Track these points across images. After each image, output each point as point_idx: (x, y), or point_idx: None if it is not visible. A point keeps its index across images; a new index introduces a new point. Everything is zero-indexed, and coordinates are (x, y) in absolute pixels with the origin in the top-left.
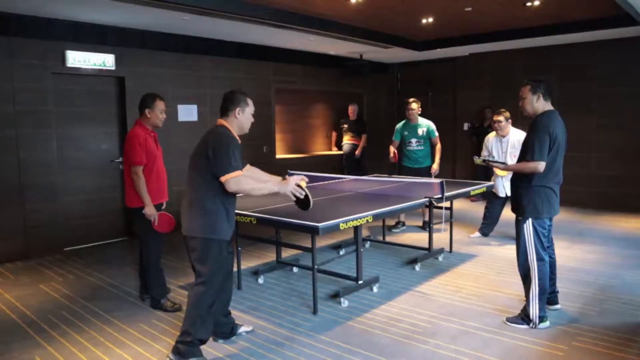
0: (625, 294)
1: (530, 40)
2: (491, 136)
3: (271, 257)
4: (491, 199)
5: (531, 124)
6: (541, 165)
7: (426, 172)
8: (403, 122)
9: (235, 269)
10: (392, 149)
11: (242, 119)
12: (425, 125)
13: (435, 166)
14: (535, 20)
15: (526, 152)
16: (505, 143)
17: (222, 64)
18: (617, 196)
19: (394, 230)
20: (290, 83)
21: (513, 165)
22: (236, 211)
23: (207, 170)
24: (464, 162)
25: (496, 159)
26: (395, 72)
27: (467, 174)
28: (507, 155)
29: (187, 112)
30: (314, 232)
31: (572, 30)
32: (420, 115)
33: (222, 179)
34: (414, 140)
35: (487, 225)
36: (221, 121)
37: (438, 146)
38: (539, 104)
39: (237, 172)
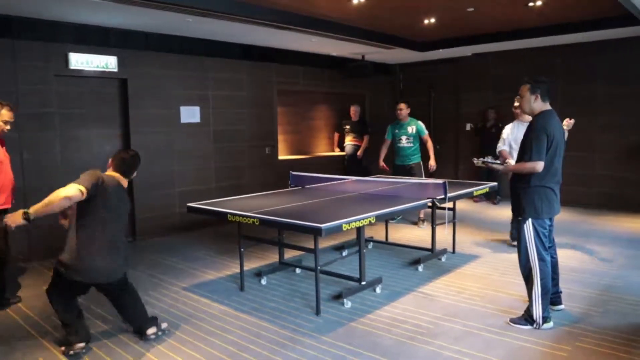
0: (629, 295)
1: (533, 40)
2: (509, 125)
3: (274, 258)
4: None
5: (529, 125)
6: (539, 165)
7: (416, 167)
8: (395, 122)
9: (238, 270)
10: (382, 159)
11: None
12: (414, 123)
13: (432, 162)
14: (538, 20)
15: (524, 153)
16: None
17: (225, 66)
18: (620, 196)
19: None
20: (292, 84)
21: (512, 165)
22: (238, 212)
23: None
24: (467, 163)
25: (514, 147)
26: (397, 73)
27: (470, 175)
28: None
29: (190, 114)
30: (316, 233)
31: (575, 30)
32: (413, 116)
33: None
34: (404, 138)
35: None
36: None
37: (429, 143)
38: (536, 104)
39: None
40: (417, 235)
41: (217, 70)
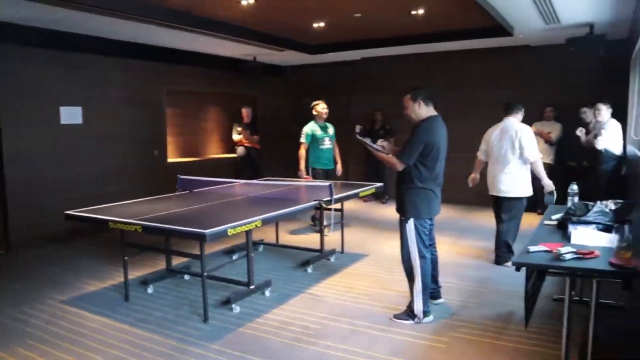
0: (503, 285)
1: (417, 46)
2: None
3: (161, 264)
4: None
5: (413, 128)
6: (400, 167)
7: (334, 173)
8: (311, 123)
9: (122, 279)
10: (303, 167)
11: None
12: (330, 125)
13: (340, 166)
14: (421, 28)
15: (400, 149)
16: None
17: (112, 64)
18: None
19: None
20: (183, 84)
21: (383, 154)
22: (119, 219)
23: None
24: (357, 164)
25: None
26: (290, 75)
27: (359, 176)
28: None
29: (71, 115)
30: (201, 239)
31: (454, 38)
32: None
33: None
34: (327, 139)
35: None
36: None
37: (336, 148)
38: (421, 110)
39: None
40: (307, 236)
41: (103, 68)
